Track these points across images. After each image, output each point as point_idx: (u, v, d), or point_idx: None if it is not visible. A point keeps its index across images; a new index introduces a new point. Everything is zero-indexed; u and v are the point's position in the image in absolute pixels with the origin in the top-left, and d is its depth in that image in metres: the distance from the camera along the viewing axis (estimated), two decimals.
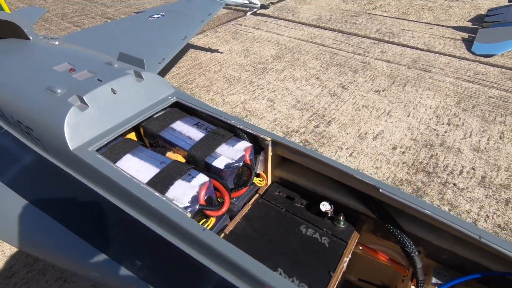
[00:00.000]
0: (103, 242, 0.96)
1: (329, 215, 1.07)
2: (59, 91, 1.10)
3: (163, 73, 4.17)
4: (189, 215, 0.83)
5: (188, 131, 1.19)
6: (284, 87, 3.84)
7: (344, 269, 0.97)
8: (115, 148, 1.10)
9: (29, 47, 1.62)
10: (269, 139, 1.10)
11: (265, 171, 1.21)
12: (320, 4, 6.87)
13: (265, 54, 4.66)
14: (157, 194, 0.88)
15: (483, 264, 0.85)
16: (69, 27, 5.83)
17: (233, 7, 6.51)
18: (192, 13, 3.30)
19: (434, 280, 0.91)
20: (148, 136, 1.22)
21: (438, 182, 2.52)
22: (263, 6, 3.86)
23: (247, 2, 3.77)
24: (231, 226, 1.08)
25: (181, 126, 1.22)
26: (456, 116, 3.27)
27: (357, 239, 1.05)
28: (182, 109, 1.31)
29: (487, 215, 2.26)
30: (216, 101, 3.58)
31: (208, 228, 0.94)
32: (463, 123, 3.17)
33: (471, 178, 2.56)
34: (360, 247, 1.09)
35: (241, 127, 1.13)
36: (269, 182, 1.26)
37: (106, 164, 0.97)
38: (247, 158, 1.10)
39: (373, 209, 0.98)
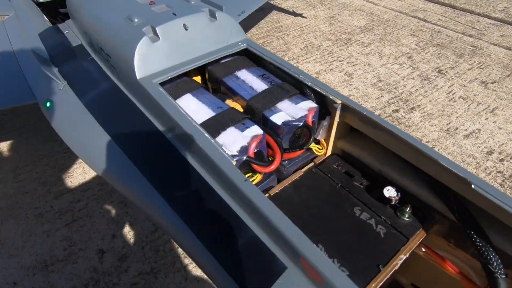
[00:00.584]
0: (152, 172, 0.98)
1: (393, 203, 0.90)
2: (136, 20, 1.11)
3: None
4: (234, 163, 0.77)
5: (252, 81, 1.10)
6: (367, 62, 3.45)
7: (397, 267, 0.82)
8: (178, 85, 1.08)
9: None
10: (339, 101, 0.95)
11: (327, 140, 1.08)
12: None
13: (353, 23, 4.21)
14: (207, 135, 0.84)
15: None
16: None
17: None
18: None
19: None
20: (212, 81, 1.18)
21: None
22: None
23: None
24: (277, 189, 1.00)
25: (246, 75, 1.14)
26: None
27: (422, 239, 0.87)
28: (250, 58, 1.23)
29: None
30: None
31: (253, 182, 0.88)
32: None
33: None
34: (423, 249, 0.91)
35: (309, 83, 1.00)
36: (329, 152, 1.12)
37: (166, 98, 0.96)
38: (310, 119, 0.98)
39: (454, 209, 0.78)
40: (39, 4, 2.12)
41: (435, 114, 2.74)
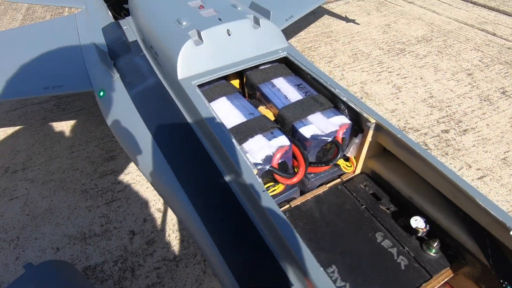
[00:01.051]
0: (180, 170, 1.03)
1: (420, 234, 0.85)
2: (184, 23, 1.17)
3: (290, 35, 4.11)
4: (255, 171, 0.78)
5: (287, 90, 1.11)
6: (419, 75, 3.23)
7: None
8: (215, 88, 1.13)
9: None
10: (373, 120, 0.91)
11: (357, 157, 1.04)
12: None
13: (409, 33, 3.97)
14: (234, 141, 0.86)
15: None
16: None
17: None
18: None
19: None
20: (249, 86, 1.20)
21: None
22: None
23: None
24: (299, 201, 0.99)
25: (282, 83, 1.14)
26: None
27: (448, 279, 0.80)
28: (289, 67, 1.23)
29: None
30: (334, 74, 3.33)
31: (273, 193, 0.88)
32: None
33: None
34: None
35: (344, 99, 0.98)
36: (358, 171, 1.08)
37: (201, 100, 1.00)
38: (340, 135, 0.95)
39: (488, 253, 0.71)
40: (106, 0, 2.34)
41: (491, 140, 2.48)
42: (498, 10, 4.36)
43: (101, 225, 2.07)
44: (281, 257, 0.69)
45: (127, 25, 1.90)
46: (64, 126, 2.89)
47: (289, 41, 1.78)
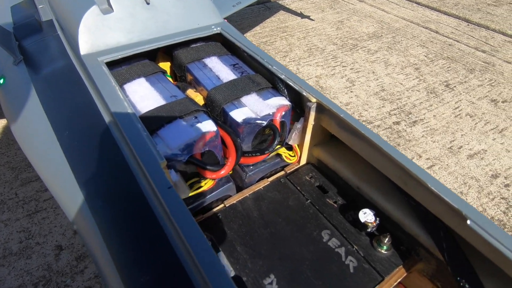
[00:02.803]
0: (77, 160, 0.82)
1: (370, 229, 0.73)
2: None
3: (245, 30, 3.97)
4: (162, 163, 0.60)
5: (220, 70, 0.94)
6: (371, 70, 3.28)
7: None
8: (133, 68, 0.93)
9: None
10: (314, 100, 0.78)
11: (301, 145, 0.91)
12: None
13: (361, 30, 4.04)
14: (140, 128, 0.67)
15: None
16: None
17: None
18: None
19: None
20: (177, 66, 1.02)
21: None
22: None
23: None
24: (234, 199, 0.83)
25: (214, 63, 0.98)
26: None
27: (401, 279, 0.69)
28: (224, 45, 1.07)
29: None
30: (289, 68, 3.24)
31: (197, 190, 0.71)
32: None
33: None
34: None
35: (282, 77, 0.84)
36: (303, 161, 0.95)
37: (106, 80, 0.80)
38: (277, 118, 0.81)
39: (443, 247, 0.61)
40: None
41: (438, 130, 2.56)
42: (439, 10, 4.64)
43: (19, 241, 1.74)
44: (193, 268, 0.52)
45: (44, 3, 1.60)
46: None
47: (244, 35, 1.62)
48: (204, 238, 0.50)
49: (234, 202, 0.83)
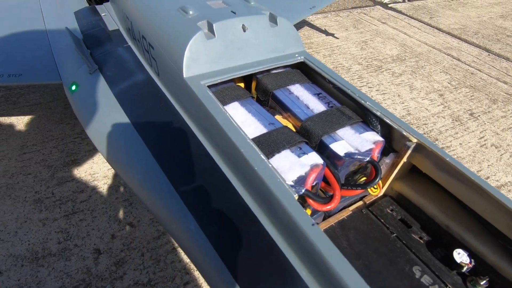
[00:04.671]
0: (183, 184, 0.85)
1: (464, 270, 0.76)
2: (191, 12, 1.00)
3: None
4: (296, 196, 0.63)
5: (308, 99, 0.98)
6: (397, 93, 3.34)
7: None
8: (225, 91, 0.96)
9: None
10: (414, 140, 0.82)
11: (385, 178, 0.94)
12: (469, 14, 5.76)
13: (385, 52, 4.12)
14: (263, 157, 0.70)
15: None
16: None
17: None
18: None
19: None
20: (260, 91, 1.06)
21: None
22: None
23: None
24: (322, 227, 0.86)
25: (300, 91, 1.01)
26: None
27: None
28: (305, 74, 1.11)
29: None
30: None
31: None
32: None
33: None
34: None
35: (378, 113, 0.87)
36: (382, 192, 0.98)
37: (215, 104, 0.83)
38: (375, 154, 0.85)
39: None
40: None
41: (465, 159, 2.60)
42: (460, 38, 4.74)
43: (58, 242, 1.75)
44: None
45: (106, 11, 1.65)
46: (15, 122, 2.47)
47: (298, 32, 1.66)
48: (355, 271, 0.53)
49: (324, 227, 0.85)
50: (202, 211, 0.76)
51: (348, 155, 0.82)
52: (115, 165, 1.02)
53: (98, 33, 1.48)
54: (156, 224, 1.88)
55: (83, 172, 2.16)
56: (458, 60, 4.11)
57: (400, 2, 6.04)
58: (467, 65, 4.01)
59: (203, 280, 1.64)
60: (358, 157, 0.82)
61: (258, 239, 0.66)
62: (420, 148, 0.83)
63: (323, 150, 0.85)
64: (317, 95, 1.01)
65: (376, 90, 3.34)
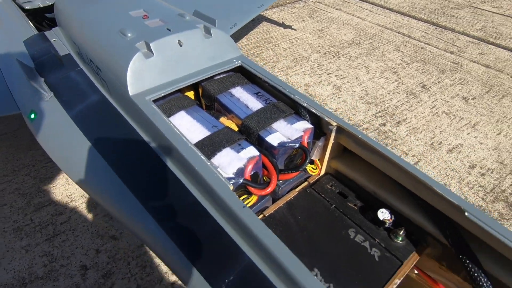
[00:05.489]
0: (142, 191, 0.95)
1: (387, 225, 0.91)
2: (129, 34, 1.09)
3: None
4: (231, 187, 0.76)
5: (247, 99, 1.10)
6: (354, 75, 3.53)
7: None
8: (172, 102, 1.07)
9: None
10: (334, 123, 0.96)
11: (321, 159, 1.08)
12: None
13: (341, 37, 4.31)
14: (202, 157, 0.82)
15: None
16: None
17: None
18: None
19: None
20: (206, 97, 1.17)
21: None
22: None
23: None
24: (271, 209, 0.99)
25: (240, 93, 1.13)
26: None
27: (415, 262, 0.88)
28: (245, 75, 1.23)
29: None
30: (279, 78, 3.44)
31: (247, 203, 0.87)
32: None
33: None
34: (416, 272, 0.92)
35: (305, 104, 1.01)
36: (323, 172, 1.12)
37: (159, 116, 0.94)
38: (305, 140, 0.98)
39: (447, 234, 0.80)
40: (24, 10, 2.05)
41: (420, 129, 2.82)
42: (409, 15, 5.01)
43: (43, 265, 1.81)
44: (270, 270, 0.68)
45: (55, 37, 1.70)
46: None
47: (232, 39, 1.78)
48: (282, 243, 0.65)
49: (272, 212, 0.98)
50: (159, 210, 0.87)
51: (282, 144, 0.95)
52: (81, 184, 1.10)
53: (49, 60, 1.54)
54: None
55: (59, 195, 2.20)
56: (409, 36, 4.37)
57: None
58: (417, 40, 4.27)
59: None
60: (290, 145, 0.95)
61: (207, 225, 0.78)
62: (341, 130, 0.97)
63: (261, 143, 0.98)
64: (256, 94, 1.13)
65: (335, 76, 3.52)
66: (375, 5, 5.37)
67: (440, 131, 2.80)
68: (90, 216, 2.06)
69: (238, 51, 1.24)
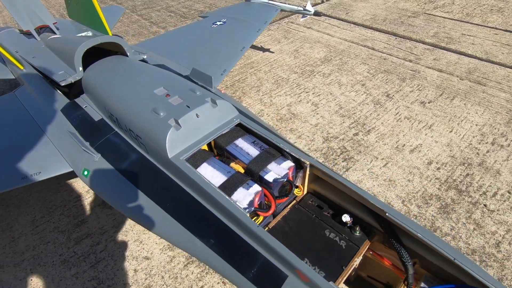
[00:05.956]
0: (186, 222, 1.42)
1: (348, 225, 1.41)
2: (161, 114, 1.56)
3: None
4: (248, 214, 1.24)
5: (247, 148, 1.58)
6: (329, 91, 4.07)
7: (356, 266, 1.32)
8: (195, 156, 1.54)
9: (131, 66, 2.14)
10: (307, 162, 1.45)
11: (303, 184, 1.57)
12: (377, 2, 6.72)
13: (314, 56, 4.86)
14: (226, 197, 1.30)
15: (460, 279, 1.13)
16: (139, 20, 6.56)
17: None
18: (250, 21, 3.65)
19: (422, 285, 1.22)
20: (218, 148, 1.65)
21: (469, 201, 2.65)
22: (316, 13, 4.06)
23: (302, 9, 4.00)
24: (273, 223, 1.47)
25: (242, 143, 1.62)
26: (503, 136, 3.25)
27: (368, 246, 1.38)
28: (242, 128, 1.71)
29: None
30: (264, 102, 3.95)
31: (257, 222, 1.35)
32: (509, 144, 3.16)
33: (504, 201, 2.64)
34: (371, 252, 1.42)
35: (287, 150, 1.50)
36: (305, 192, 1.62)
37: (192, 170, 1.41)
38: (290, 175, 1.47)
39: (382, 226, 1.30)
40: (60, 86, 2.43)
41: (386, 134, 3.37)
42: (372, 28, 5.62)
43: (94, 287, 2.22)
44: (278, 262, 1.15)
45: (86, 103, 2.15)
46: (17, 202, 2.84)
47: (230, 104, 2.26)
48: (282, 245, 1.13)
49: (274, 225, 1.46)
50: (202, 233, 1.33)
51: (275, 180, 1.43)
52: (143, 223, 1.55)
53: (88, 124, 1.98)
54: (166, 251, 2.41)
55: (93, 228, 2.62)
56: (373, 49, 4.96)
57: (319, 3, 6.88)
58: (380, 52, 4.87)
59: (213, 282, 2.21)
60: (280, 180, 1.43)
61: (235, 240, 1.25)
62: (312, 166, 1.46)
63: (261, 180, 1.46)
64: (253, 142, 1.62)
65: (313, 94, 4.05)
66: (342, 20, 5.97)
67: (403, 135, 3.35)
68: (123, 242, 2.49)
69: (236, 112, 1.72)
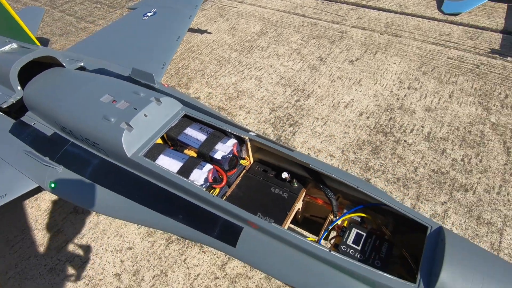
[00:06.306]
0: (158, 207, 1.68)
1: (288, 180, 1.77)
2: (112, 119, 1.74)
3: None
4: (204, 189, 1.53)
5: (196, 135, 1.84)
6: (269, 64, 4.35)
7: (299, 210, 1.71)
8: (152, 151, 1.77)
9: (71, 77, 2.22)
10: (247, 138, 1.76)
11: (248, 155, 1.89)
12: None
13: (251, 30, 5.05)
14: (185, 179, 1.58)
15: (366, 200, 1.56)
16: (63, 17, 6.13)
17: None
18: (181, 8, 3.71)
19: (345, 211, 1.64)
20: (170, 140, 1.88)
21: (393, 140, 3.20)
22: None
23: None
24: (229, 191, 1.79)
25: (190, 131, 1.87)
26: (416, 80, 3.83)
27: (305, 192, 1.76)
28: (189, 118, 1.96)
29: (425, 163, 2.98)
30: (211, 84, 4.13)
31: (215, 194, 1.66)
32: (421, 86, 3.74)
33: (419, 134, 3.23)
34: (308, 197, 1.81)
35: (228, 130, 1.79)
36: (251, 161, 1.94)
37: (151, 163, 1.65)
38: (235, 150, 1.78)
39: (313, 175, 1.68)
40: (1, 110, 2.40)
41: (323, 96, 3.79)
42: None
43: (86, 284, 2.44)
44: (234, 219, 1.48)
45: (33, 120, 2.22)
46: None
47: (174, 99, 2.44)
48: (236, 206, 1.45)
49: (230, 193, 1.77)
50: (171, 212, 1.61)
51: (223, 157, 1.72)
52: (109, 213, 1.77)
53: (43, 141, 2.08)
54: (146, 238, 2.66)
55: (70, 234, 2.76)
56: (304, 16, 5.25)
57: None
58: (310, 18, 5.18)
59: (194, 253, 2.53)
60: (227, 156, 1.73)
61: (198, 210, 1.55)
62: (251, 139, 1.78)
63: (212, 159, 1.75)
64: (200, 129, 1.87)
65: (254, 69, 4.30)
66: None
67: (338, 93, 3.79)
68: (104, 240, 2.69)
69: (180, 105, 1.95)
